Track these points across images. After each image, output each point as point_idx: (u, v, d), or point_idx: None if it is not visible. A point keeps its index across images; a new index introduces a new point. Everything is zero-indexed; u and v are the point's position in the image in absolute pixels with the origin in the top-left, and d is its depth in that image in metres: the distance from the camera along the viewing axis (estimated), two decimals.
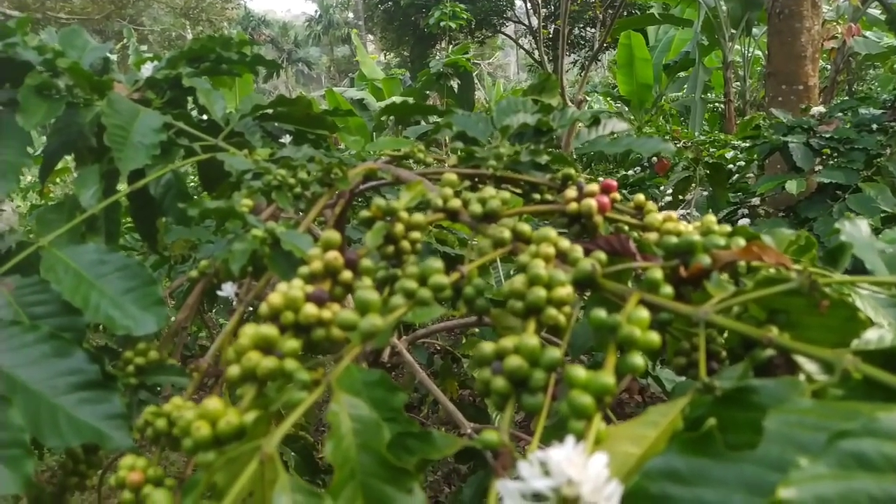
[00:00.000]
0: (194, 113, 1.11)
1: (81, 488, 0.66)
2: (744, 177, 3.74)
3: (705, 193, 3.49)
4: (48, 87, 0.87)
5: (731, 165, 3.66)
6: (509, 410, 0.35)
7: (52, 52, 0.89)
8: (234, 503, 0.29)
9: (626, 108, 8.63)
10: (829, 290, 0.39)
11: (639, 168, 4.87)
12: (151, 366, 0.64)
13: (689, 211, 3.23)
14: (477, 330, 1.93)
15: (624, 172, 4.70)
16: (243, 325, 0.39)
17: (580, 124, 0.87)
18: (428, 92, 7.58)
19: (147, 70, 1.11)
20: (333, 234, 0.46)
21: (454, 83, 7.41)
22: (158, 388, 0.75)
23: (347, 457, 0.33)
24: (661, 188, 3.88)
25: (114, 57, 1.13)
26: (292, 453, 1.52)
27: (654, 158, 4.41)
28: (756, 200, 3.29)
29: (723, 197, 3.20)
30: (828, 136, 3.02)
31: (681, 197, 3.37)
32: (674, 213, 0.53)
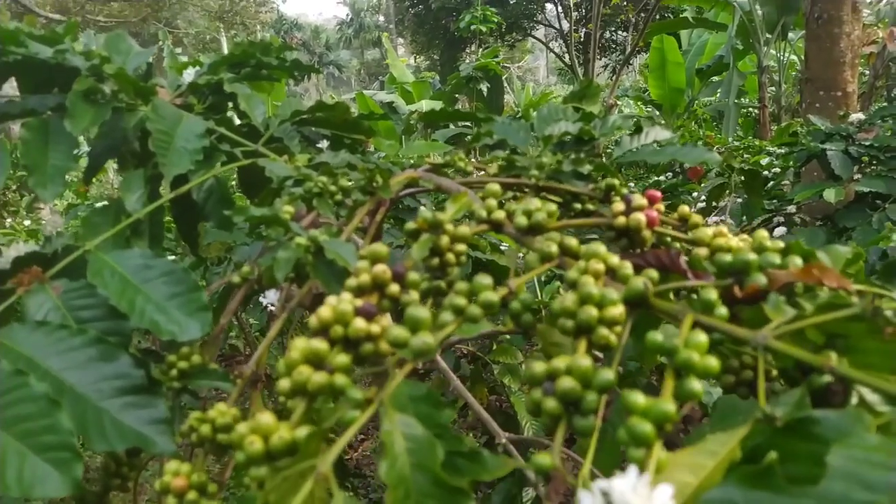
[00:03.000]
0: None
1: (124, 490, 0.67)
2: (779, 184, 3.67)
3: (739, 200, 3.43)
4: (95, 93, 0.88)
5: (766, 172, 3.60)
6: (560, 432, 0.35)
7: (99, 57, 0.91)
8: None
9: (658, 113, 8.54)
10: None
11: (670, 174, 4.80)
12: (195, 370, 0.65)
13: (722, 218, 3.18)
14: (508, 336, 1.92)
15: (655, 178, 4.65)
16: (292, 337, 0.39)
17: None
18: (457, 95, 7.60)
19: (189, 75, 1.13)
20: (381, 247, 0.46)
21: (484, 87, 7.41)
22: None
23: (402, 476, 0.33)
24: (694, 195, 3.82)
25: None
26: None
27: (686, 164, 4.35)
28: (792, 208, 3.23)
29: (758, 204, 3.14)
30: (867, 143, 2.96)
31: (714, 203, 3.32)
32: (724, 228, 0.52)
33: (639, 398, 0.33)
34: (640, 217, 0.52)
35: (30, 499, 0.50)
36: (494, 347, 1.96)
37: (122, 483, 0.67)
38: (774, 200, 3.42)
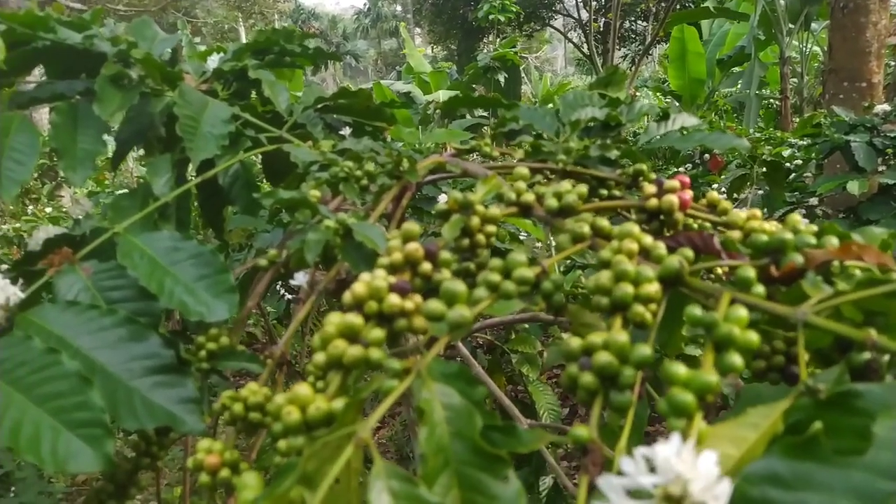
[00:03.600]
0: None
1: (153, 468, 0.68)
2: (801, 176, 3.63)
3: (760, 192, 3.40)
4: (122, 78, 0.89)
5: (787, 164, 3.56)
6: (597, 407, 0.35)
7: (126, 43, 0.91)
8: (329, 487, 0.30)
9: (677, 104, 8.45)
10: None
11: (690, 165, 4.75)
12: (223, 351, 0.65)
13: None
14: (526, 326, 1.92)
15: (675, 169, 4.61)
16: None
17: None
18: (475, 85, 7.57)
19: (213, 61, 1.13)
20: (413, 226, 0.46)
21: (501, 77, 7.38)
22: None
23: (441, 445, 0.33)
24: (714, 186, 3.79)
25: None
26: None
27: (707, 155, 4.31)
28: (814, 200, 3.20)
29: (779, 196, 3.11)
30: (893, 135, 2.92)
31: (735, 196, 3.29)
32: (757, 211, 0.51)
33: (679, 369, 0.32)
34: (673, 198, 0.51)
35: (63, 473, 0.51)
36: (512, 336, 1.96)
37: (152, 462, 0.68)
38: (796, 192, 3.39)
